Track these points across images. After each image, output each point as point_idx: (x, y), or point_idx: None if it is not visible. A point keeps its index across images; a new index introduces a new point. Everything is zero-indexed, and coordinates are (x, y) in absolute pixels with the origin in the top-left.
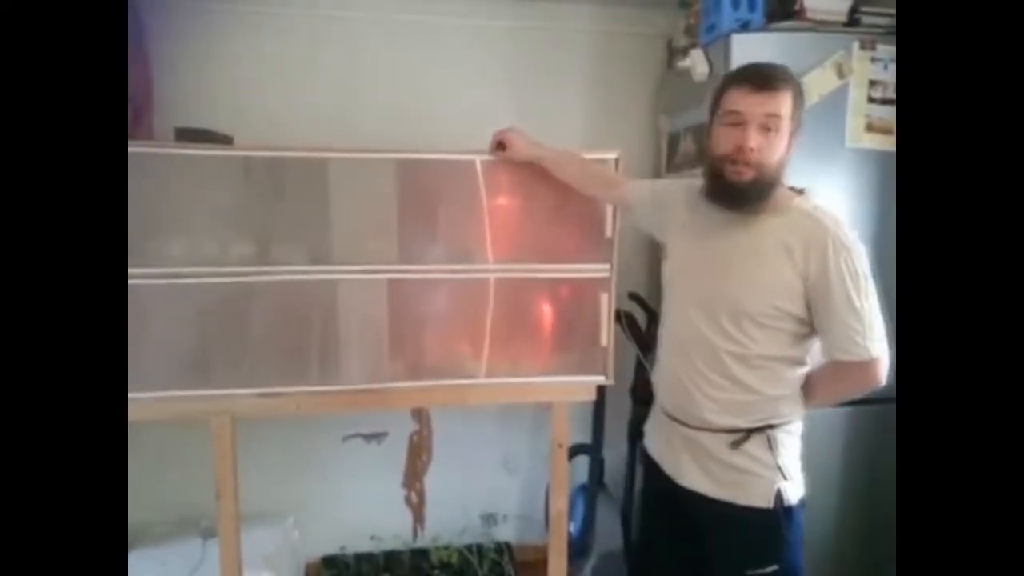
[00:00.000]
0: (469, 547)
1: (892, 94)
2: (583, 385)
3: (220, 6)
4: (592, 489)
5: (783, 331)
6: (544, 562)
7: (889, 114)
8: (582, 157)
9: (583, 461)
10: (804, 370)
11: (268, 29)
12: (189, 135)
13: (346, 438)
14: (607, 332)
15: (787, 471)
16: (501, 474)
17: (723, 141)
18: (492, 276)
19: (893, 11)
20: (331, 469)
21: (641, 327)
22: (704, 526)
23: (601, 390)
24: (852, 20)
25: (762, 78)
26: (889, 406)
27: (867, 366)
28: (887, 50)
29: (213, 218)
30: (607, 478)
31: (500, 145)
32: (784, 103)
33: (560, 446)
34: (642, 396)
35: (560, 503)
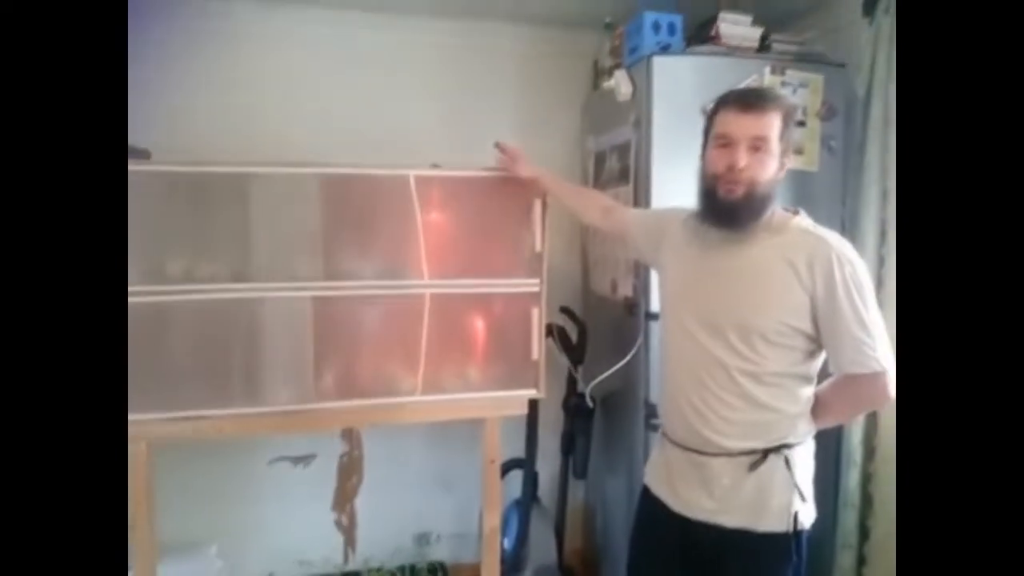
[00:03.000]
0: (402, 568)
1: (802, 116)
2: (515, 399)
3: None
4: (526, 503)
5: (793, 348)
6: None
7: (799, 135)
8: (580, 185)
9: (519, 476)
10: (813, 387)
11: (188, 42)
12: None
13: (272, 462)
14: (538, 346)
15: (804, 492)
16: (435, 492)
17: (715, 162)
18: (427, 292)
19: (801, 39)
20: (257, 494)
21: (572, 340)
22: (715, 560)
23: (534, 404)
24: (764, 46)
25: (749, 101)
26: None
27: (878, 378)
28: (796, 75)
29: (128, 236)
30: (541, 492)
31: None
32: (771, 124)
33: (492, 462)
34: (574, 408)
35: (493, 520)
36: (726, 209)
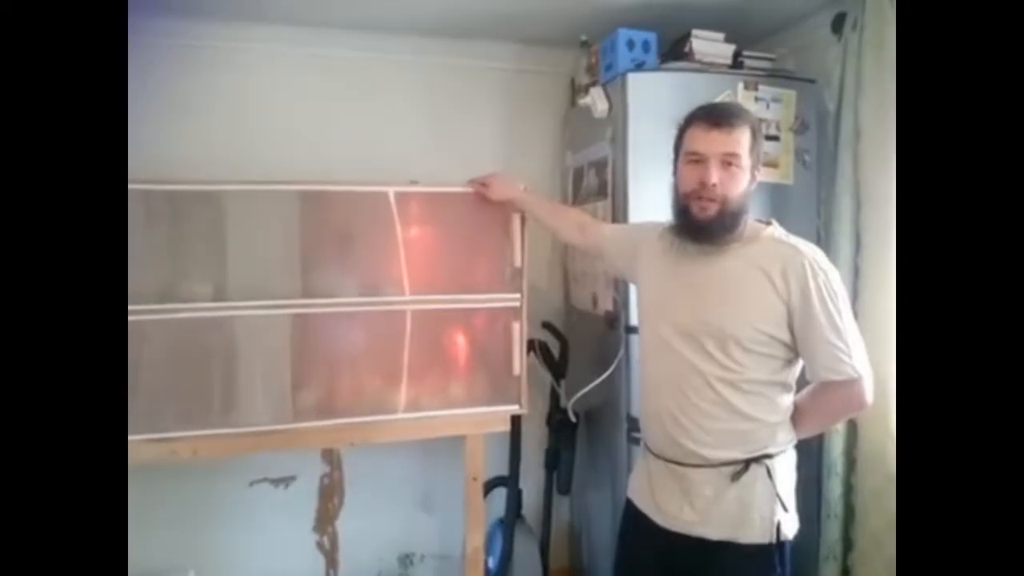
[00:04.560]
0: None
1: (775, 131)
2: (497, 415)
3: None
4: (510, 522)
5: (770, 356)
6: None
7: (774, 149)
8: (556, 203)
9: (503, 494)
10: (792, 395)
11: (163, 62)
12: None
13: (252, 483)
14: (520, 361)
15: (786, 502)
16: (418, 512)
17: (687, 179)
18: (408, 308)
19: (773, 56)
20: (236, 517)
21: (554, 355)
22: (698, 572)
23: (517, 420)
24: (736, 63)
25: (718, 118)
26: None
27: (854, 384)
28: (768, 90)
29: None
30: (525, 509)
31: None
32: (741, 140)
33: (475, 479)
34: (558, 423)
35: (476, 539)
36: (700, 227)
